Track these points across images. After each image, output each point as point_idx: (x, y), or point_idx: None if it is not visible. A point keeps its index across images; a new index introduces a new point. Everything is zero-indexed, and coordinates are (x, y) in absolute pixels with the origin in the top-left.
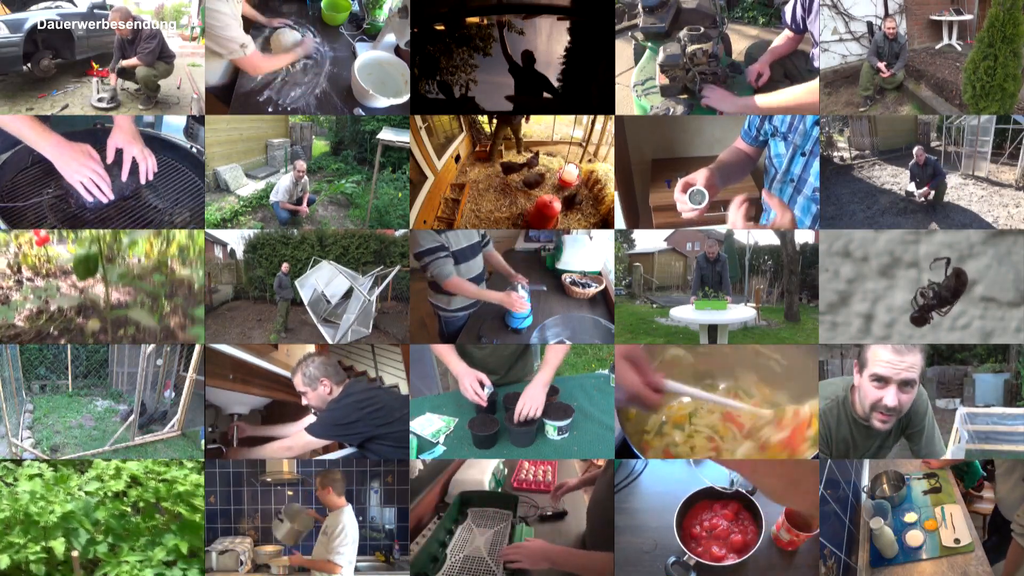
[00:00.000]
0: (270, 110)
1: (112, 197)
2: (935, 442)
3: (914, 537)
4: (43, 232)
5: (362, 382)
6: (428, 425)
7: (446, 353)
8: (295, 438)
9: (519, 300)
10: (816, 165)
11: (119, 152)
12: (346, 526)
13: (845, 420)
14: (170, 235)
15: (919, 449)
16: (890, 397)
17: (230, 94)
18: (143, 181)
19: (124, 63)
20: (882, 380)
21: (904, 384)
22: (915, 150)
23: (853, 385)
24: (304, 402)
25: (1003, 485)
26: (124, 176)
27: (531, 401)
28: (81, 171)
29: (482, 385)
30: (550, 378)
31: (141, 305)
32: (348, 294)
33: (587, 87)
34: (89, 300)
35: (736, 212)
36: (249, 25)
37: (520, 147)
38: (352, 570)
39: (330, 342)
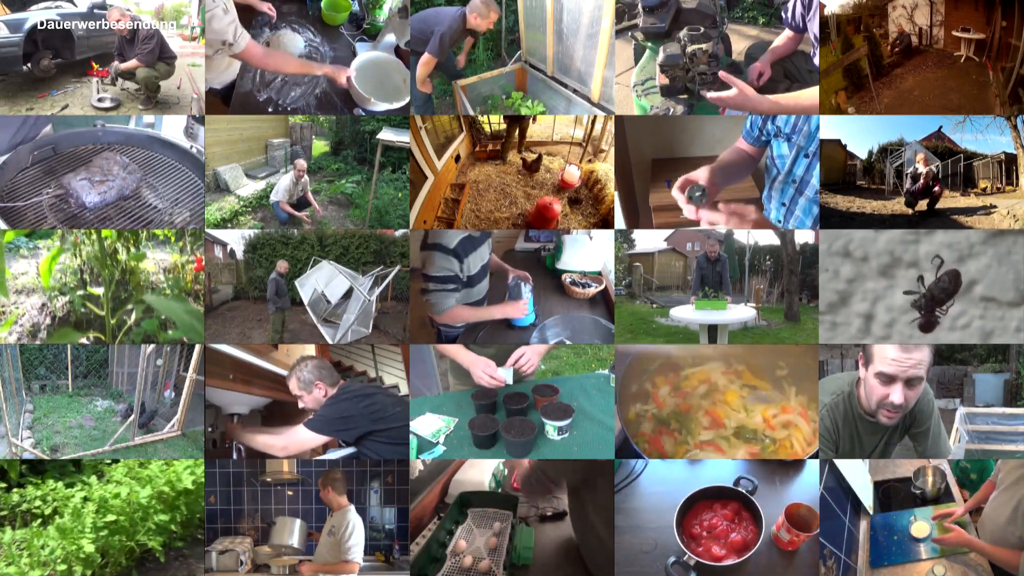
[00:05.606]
0: (270, 110)
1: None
2: (941, 442)
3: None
4: None
5: (359, 380)
6: (428, 425)
7: (452, 348)
8: (291, 434)
9: (523, 306)
10: (818, 167)
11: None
12: (354, 524)
13: (851, 415)
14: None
15: (924, 449)
16: (896, 395)
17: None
18: None
19: (124, 65)
20: (888, 378)
21: (910, 381)
22: None
23: (859, 379)
24: (301, 405)
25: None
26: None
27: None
28: None
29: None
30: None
31: None
32: (348, 294)
33: None
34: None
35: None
36: (251, 17)
37: (522, 147)
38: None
39: (330, 342)
